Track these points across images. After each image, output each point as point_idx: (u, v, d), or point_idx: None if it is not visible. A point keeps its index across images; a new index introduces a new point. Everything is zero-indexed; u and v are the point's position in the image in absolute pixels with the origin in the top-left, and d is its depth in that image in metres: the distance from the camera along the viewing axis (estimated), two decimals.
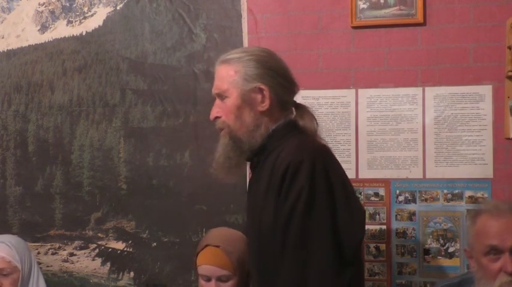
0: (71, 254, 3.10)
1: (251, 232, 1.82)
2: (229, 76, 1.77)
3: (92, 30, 3.11)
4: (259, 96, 1.76)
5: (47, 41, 3.18)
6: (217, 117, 1.80)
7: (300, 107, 1.87)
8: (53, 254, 3.13)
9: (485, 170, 2.62)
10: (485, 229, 1.91)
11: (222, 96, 1.79)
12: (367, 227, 2.70)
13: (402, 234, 2.70)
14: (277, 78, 1.79)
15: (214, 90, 1.82)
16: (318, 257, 1.60)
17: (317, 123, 1.86)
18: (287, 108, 1.83)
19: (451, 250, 2.66)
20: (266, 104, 1.76)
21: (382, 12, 2.71)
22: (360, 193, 2.73)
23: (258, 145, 1.77)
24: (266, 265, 1.71)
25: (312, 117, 1.86)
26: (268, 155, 1.74)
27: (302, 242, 1.60)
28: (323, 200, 1.62)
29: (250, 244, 1.85)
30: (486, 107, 2.64)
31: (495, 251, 1.87)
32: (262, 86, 1.76)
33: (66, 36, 3.15)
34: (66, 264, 3.11)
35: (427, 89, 2.69)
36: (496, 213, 1.92)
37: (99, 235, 3.06)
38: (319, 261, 1.60)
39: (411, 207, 2.69)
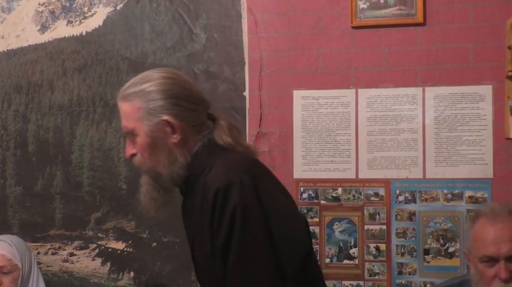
0: (71, 254, 3.10)
1: (196, 263, 1.73)
2: (133, 113, 1.65)
3: (92, 30, 3.11)
4: (168, 129, 1.64)
5: (47, 41, 3.18)
6: (133, 155, 1.69)
7: (216, 122, 1.74)
8: (53, 254, 3.12)
9: (485, 170, 2.62)
10: (481, 235, 1.91)
11: (131, 134, 1.68)
12: (367, 227, 2.72)
13: (402, 234, 2.70)
14: (183, 104, 1.66)
15: (122, 129, 1.71)
16: (258, 276, 1.52)
17: (238, 132, 1.74)
18: (202, 129, 1.70)
19: (451, 250, 2.66)
20: (177, 135, 1.64)
21: (382, 12, 2.71)
22: (360, 193, 2.73)
23: (180, 177, 1.66)
24: None
25: (229, 127, 1.72)
26: (196, 180, 1.64)
27: (241, 259, 1.52)
28: (257, 219, 1.54)
29: (198, 275, 1.76)
30: (486, 107, 2.64)
31: (490, 259, 1.87)
32: (169, 118, 1.63)
33: (66, 36, 3.15)
34: (66, 264, 3.11)
35: (427, 89, 2.69)
36: (492, 218, 1.91)
37: (99, 235, 3.06)
38: (260, 279, 1.53)
39: (411, 207, 2.69)
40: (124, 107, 1.68)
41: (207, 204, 1.56)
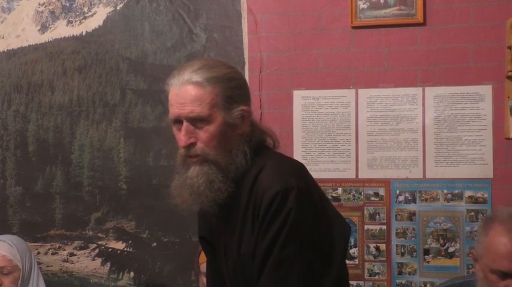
0: (71, 254, 3.10)
1: (227, 262, 1.69)
2: (210, 99, 1.57)
3: (92, 30, 3.11)
4: (241, 119, 1.60)
5: (47, 41, 3.18)
6: (192, 144, 1.59)
7: (257, 122, 1.74)
8: (53, 254, 3.13)
9: (485, 170, 2.62)
10: (495, 247, 1.82)
11: (200, 120, 1.58)
12: (367, 227, 2.72)
13: (402, 234, 2.70)
14: (249, 96, 1.67)
15: (188, 114, 1.59)
16: (291, 282, 1.52)
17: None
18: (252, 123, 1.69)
19: (451, 250, 2.66)
20: (246, 126, 1.61)
21: (382, 12, 2.71)
22: (360, 193, 2.73)
23: (243, 171, 1.60)
24: None
25: (267, 129, 1.74)
26: (243, 178, 1.60)
27: (280, 262, 1.52)
28: (306, 226, 1.53)
29: (229, 273, 1.71)
30: (486, 107, 2.64)
31: (503, 273, 1.83)
32: (246, 108, 1.61)
33: (66, 36, 3.15)
34: (66, 264, 3.11)
35: (427, 89, 2.69)
36: (509, 228, 1.85)
37: (99, 235, 3.06)
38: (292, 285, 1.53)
39: (411, 207, 2.69)
40: (195, 91, 1.59)
41: (257, 205, 1.54)
